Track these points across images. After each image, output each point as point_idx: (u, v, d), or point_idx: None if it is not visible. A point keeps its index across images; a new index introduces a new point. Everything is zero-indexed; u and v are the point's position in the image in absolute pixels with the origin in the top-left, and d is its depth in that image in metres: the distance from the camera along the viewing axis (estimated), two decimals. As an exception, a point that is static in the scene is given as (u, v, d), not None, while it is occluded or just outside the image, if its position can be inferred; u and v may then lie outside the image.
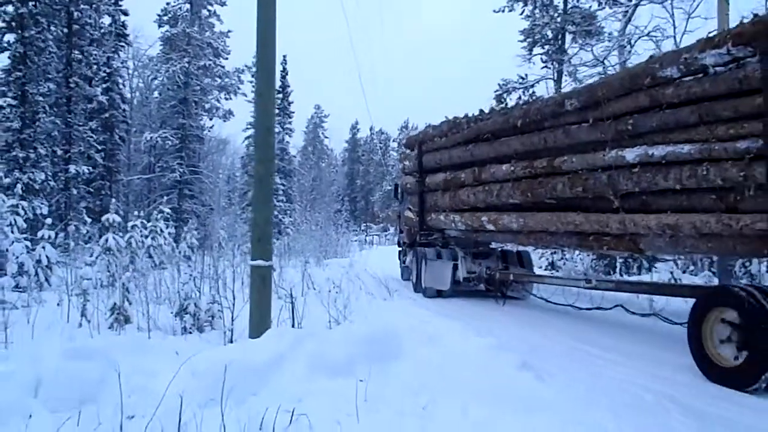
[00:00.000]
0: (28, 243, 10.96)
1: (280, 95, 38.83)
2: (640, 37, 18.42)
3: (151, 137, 25.08)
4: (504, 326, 7.81)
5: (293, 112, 41.73)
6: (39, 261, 10.74)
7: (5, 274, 10.33)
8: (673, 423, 4.04)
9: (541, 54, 22.54)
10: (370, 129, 65.42)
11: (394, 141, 67.10)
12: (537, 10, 22.22)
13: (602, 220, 7.21)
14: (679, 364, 5.56)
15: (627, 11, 18.94)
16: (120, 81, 24.95)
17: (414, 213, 12.78)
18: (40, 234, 11.32)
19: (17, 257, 10.56)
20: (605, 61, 19.12)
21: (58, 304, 7.84)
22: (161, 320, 6.88)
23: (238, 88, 31.25)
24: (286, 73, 39.50)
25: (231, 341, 5.89)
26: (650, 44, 18.00)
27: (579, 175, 7.53)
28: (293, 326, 6.42)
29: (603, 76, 15.56)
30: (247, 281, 7.68)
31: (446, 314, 8.62)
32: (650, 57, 6.65)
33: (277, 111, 37.31)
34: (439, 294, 11.04)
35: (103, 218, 13.10)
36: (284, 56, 39.01)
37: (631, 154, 6.48)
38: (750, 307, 4.91)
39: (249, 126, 32.15)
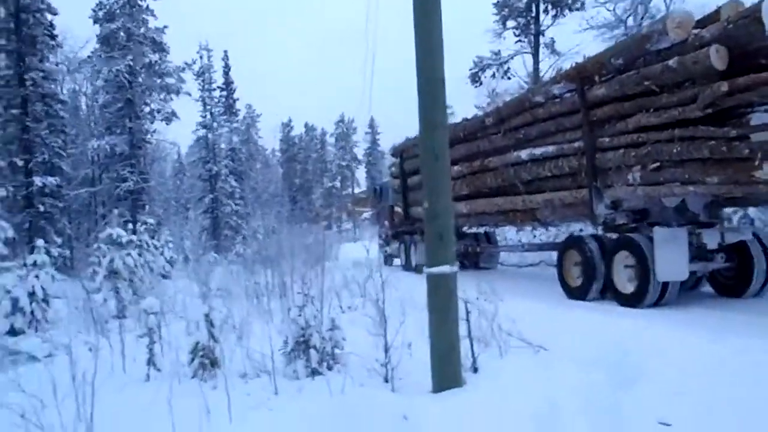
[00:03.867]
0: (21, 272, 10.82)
1: (224, 92, 43.41)
2: None
3: (98, 145, 28.69)
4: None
5: (239, 110, 46.17)
6: (32, 293, 10.41)
7: None
8: None
9: (512, 28, 27.37)
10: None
11: (330, 136, 76.80)
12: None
13: (514, 201, 12.29)
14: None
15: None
16: (53, 87, 28.13)
17: (400, 208, 18.96)
18: (31, 259, 11.26)
19: (9, 291, 10.03)
20: (627, 21, 24.12)
21: (90, 350, 6.59)
22: (256, 358, 5.94)
23: (180, 88, 34.84)
24: (229, 69, 44.02)
25: (386, 380, 5.34)
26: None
27: (499, 171, 12.62)
28: (473, 354, 5.72)
29: (624, 36, 20.05)
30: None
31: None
32: (528, 89, 11.73)
33: (222, 109, 42.08)
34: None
35: (103, 234, 13.83)
36: (225, 51, 43.59)
37: (524, 154, 11.54)
38: (585, 247, 9.89)
39: (199, 126, 36.43)
